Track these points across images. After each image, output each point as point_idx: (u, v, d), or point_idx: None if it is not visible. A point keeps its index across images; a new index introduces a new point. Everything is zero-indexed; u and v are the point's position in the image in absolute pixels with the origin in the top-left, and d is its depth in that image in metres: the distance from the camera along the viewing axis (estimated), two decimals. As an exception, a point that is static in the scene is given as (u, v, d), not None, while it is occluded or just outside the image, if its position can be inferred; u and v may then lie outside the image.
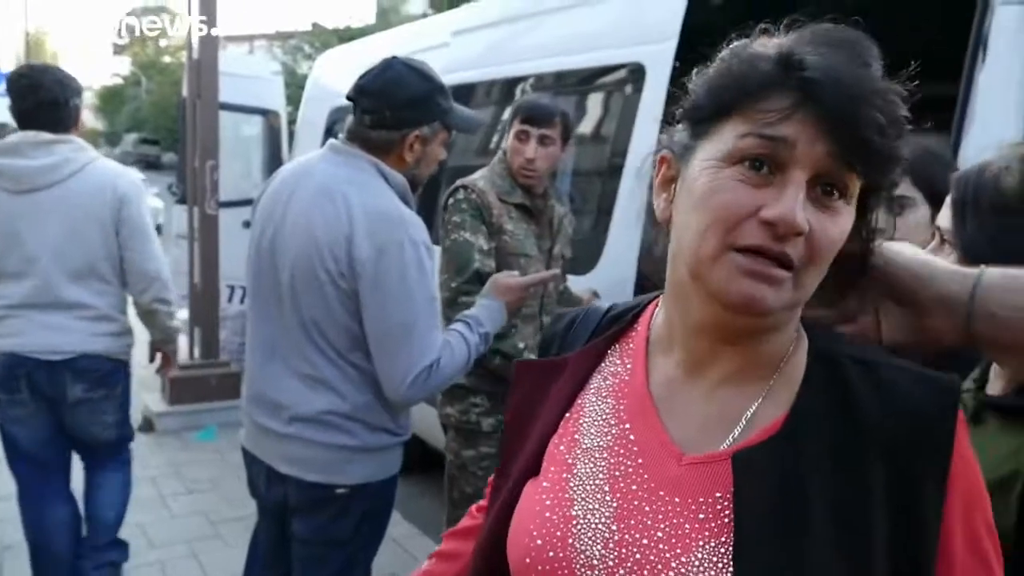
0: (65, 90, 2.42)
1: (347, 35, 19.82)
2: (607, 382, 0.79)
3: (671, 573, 0.65)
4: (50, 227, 2.33)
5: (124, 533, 2.90)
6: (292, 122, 6.50)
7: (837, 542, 0.62)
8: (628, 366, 0.79)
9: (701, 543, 0.65)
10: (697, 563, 0.64)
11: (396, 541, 3.38)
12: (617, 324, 0.83)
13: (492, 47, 3.74)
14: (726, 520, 0.65)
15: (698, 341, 0.72)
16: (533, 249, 2.34)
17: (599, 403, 0.78)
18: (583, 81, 3.22)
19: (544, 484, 0.75)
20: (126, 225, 2.42)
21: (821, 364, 0.69)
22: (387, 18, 23.12)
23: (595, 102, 3.25)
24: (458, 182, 2.36)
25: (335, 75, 5.52)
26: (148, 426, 4.65)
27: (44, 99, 2.36)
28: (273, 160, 6.17)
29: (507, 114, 2.41)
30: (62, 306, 2.37)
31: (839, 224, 0.65)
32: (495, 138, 3.69)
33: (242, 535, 3.36)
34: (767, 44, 0.67)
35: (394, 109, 1.71)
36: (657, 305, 0.81)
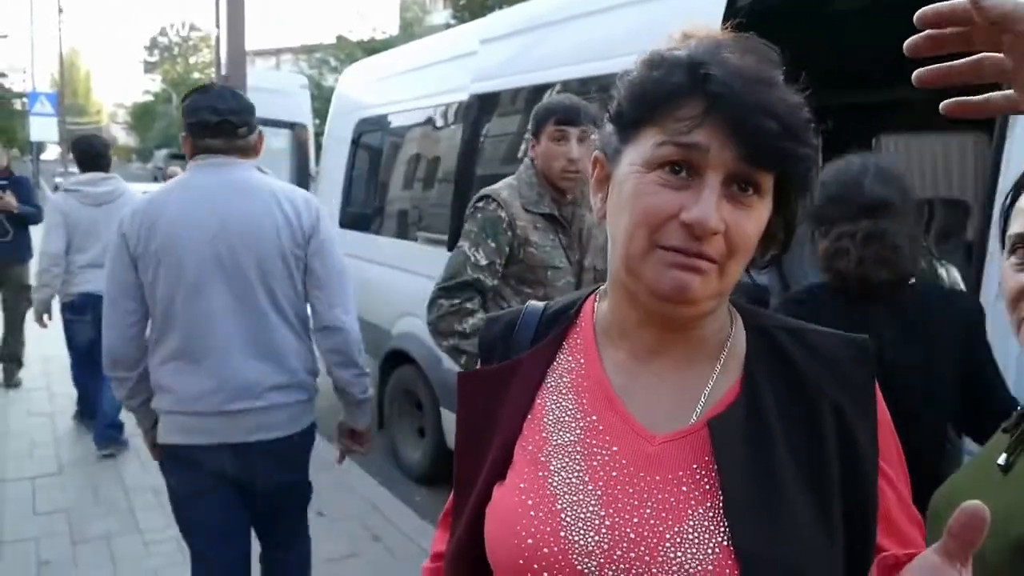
0: (107, 148, 4.49)
1: (371, 47, 19.98)
2: (564, 379, 0.81)
3: (667, 544, 0.69)
4: (111, 224, 4.06)
5: (160, 547, 2.92)
6: (319, 135, 6.55)
7: (806, 484, 0.71)
8: (581, 361, 0.82)
9: (690, 511, 0.70)
10: (690, 530, 0.69)
11: (427, 552, 3.36)
12: (560, 322, 0.86)
13: (521, 54, 3.71)
14: (707, 487, 0.71)
15: (645, 331, 0.78)
16: (562, 261, 2.28)
17: (560, 400, 0.80)
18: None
19: (520, 485, 0.76)
20: None
21: (757, 335, 0.79)
22: (411, 30, 23.28)
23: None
24: (483, 191, 2.32)
25: (361, 88, 5.55)
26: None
27: (96, 153, 4.39)
28: (301, 172, 6.23)
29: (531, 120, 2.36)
30: None
31: (754, 218, 0.71)
32: (521, 145, 3.66)
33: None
34: (682, 49, 0.73)
35: (253, 116, 2.15)
36: (596, 299, 0.86)
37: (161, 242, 1.95)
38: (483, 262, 2.21)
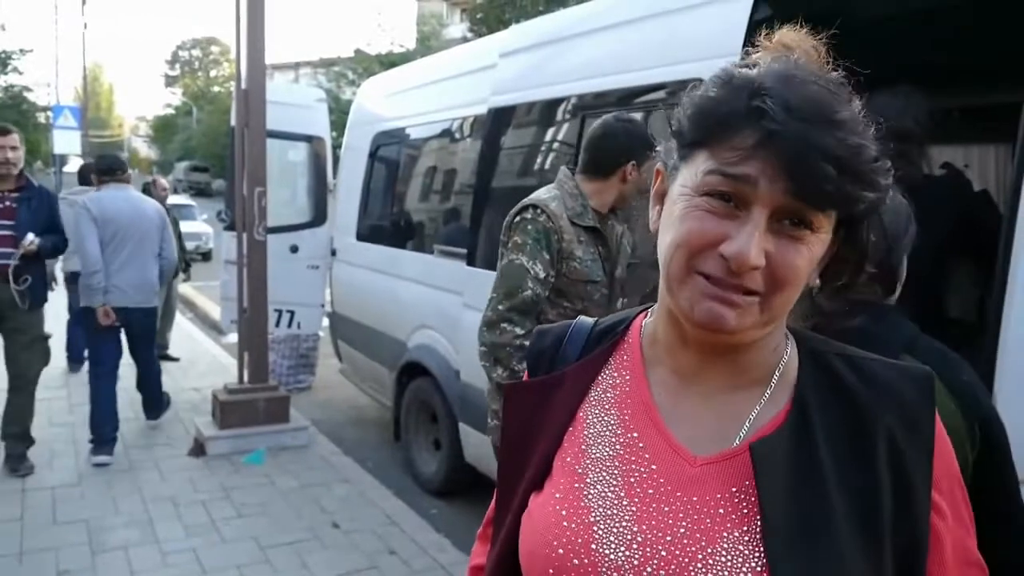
0: (90, 168, 6.05)
1: (388, 61, 20.15)
2: (608, 394, 0.81)
3: (699, 564, 0.68)
4: None
5: (178, 558, 2.92)
6: (337, 147, 6.59)
7: (854, 516, 0.68)
8: (627, 377, 0.82)
9: (724, 534, 0.69)
10: (723, 552, 0.68)
11: (445, 568, 3.34)
12: (608, 337, 0.85)
13: (542, 66, 3.70)
14: (745, 511, 0.69)
15: (689, 351, 0.77)
16: (599, 274, 2.25)
17: (602, 415, 0.80)
18: (660, 97, 3.17)
19: (556, 495, 0.76)
20: None
21: (811, 361, 0.76)
22: (427, 43, 23.45)
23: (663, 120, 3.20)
24: (527, 201, 2.24)
25: (379, 100, 5.58)
26: (199, 450, 4.71)
27: (89, 172, 6.12)
28: (319, 185, 6.25)
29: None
30: None
31: (803, 253, 0.69)
32: (540, 158, 3.66)
33: (291, 560, 3.37)
34: (754, 68, 0.71)
35: (127, 166, 4.97)
36: (646, 316, 0.85)
37: (110, 219, 4.52)
38: (542, 275, 2.16)
